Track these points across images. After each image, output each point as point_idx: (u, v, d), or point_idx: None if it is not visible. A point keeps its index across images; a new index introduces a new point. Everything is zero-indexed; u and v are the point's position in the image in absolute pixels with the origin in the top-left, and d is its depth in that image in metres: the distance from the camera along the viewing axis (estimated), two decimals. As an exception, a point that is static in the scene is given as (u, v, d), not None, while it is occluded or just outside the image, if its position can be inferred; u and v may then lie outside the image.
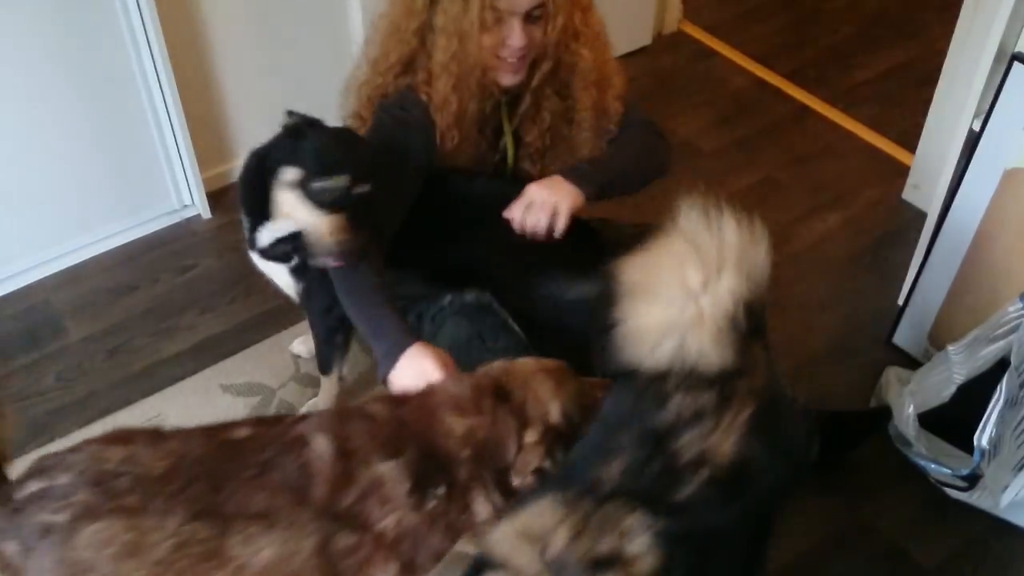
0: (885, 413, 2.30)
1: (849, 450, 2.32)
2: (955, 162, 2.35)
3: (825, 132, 3.29)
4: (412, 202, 2.02)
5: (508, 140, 2.13)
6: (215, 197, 2.97)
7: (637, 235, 2.15)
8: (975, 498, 2.19)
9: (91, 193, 2.76)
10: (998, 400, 2.04)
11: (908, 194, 3.00)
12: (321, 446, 1.54)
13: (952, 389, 2.15)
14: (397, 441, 1.56)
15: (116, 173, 2.77)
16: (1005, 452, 2.09)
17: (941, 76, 2.77)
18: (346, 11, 2.88)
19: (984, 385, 2.11)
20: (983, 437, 2.08)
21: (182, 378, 2.49)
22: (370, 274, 1.86)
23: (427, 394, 1.65)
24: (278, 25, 2.84)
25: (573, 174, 2.01)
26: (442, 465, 1.57)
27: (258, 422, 1.64)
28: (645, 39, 3.63)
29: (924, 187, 2.90)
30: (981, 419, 2.07)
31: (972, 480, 2.15)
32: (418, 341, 1.76)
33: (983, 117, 2.19)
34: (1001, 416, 2.05)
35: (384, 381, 1.78)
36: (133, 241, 2.88)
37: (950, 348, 2.16)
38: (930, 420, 2.21)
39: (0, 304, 2.70)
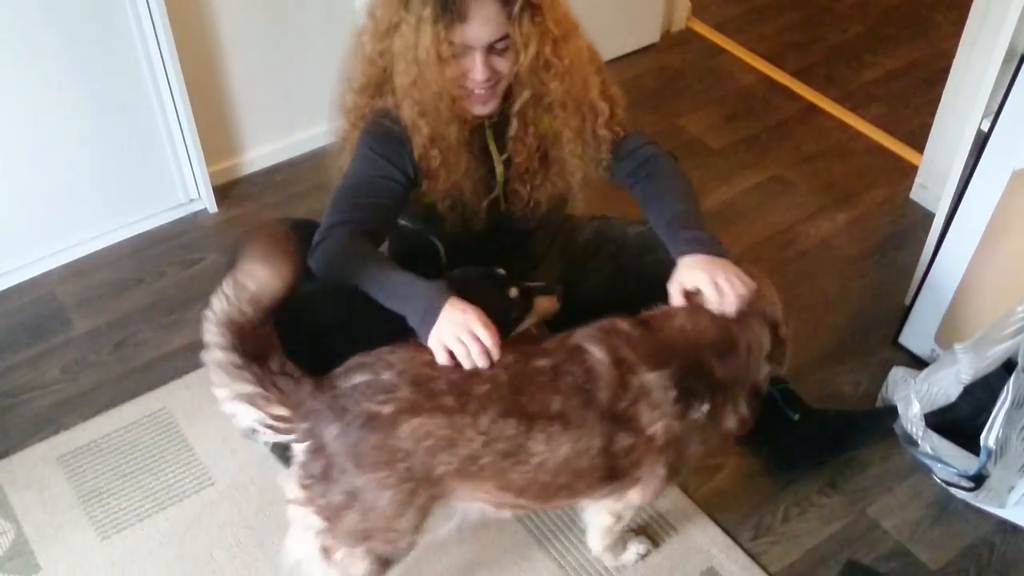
0: (891, 412, 2.29)
1: (855, 449, 2.31)
2: (963, 162, 2.34)
3: (833, 131, 3.28)
4: (399, 211, 1.99)
5: (497, 165, 2.06)
6: (221, 191, 2.97)
7: (641, 234, 2.14)
8: (981, 498, 2.18)
9: (98, 186, 2.77)
10: (1005, 400, 2.04)
11: (916, 194, 2.99)
12: (598, 354, 1.69)
13: (959, 389, 2.14)
14: (660, 356, 1.70)
15: (123, 167, 2.78)
16: (1011, 453, 2.09)
17: (950, 76, 2.76)
18: (352, 4, 2.88)
19: (991, 385, 2.10)
20: (990, 437, 2.07)
21: (187, 372, 2.48)
22: (375, 254, 1.84)
23: (675, 324, 1.76)
24: (286, 20, 2.84)
25: (713, 247, 1.87)
26: (705, 389, 1.73)
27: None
28: (653, 36, 3.62)
29: (932, 187, 2.89)
30: (987, 419, 2.07)
31: (978, 480, 2.14)
32: (450, 296, 1.72)
33: (992, 117, 2.18)
34: (1008, 417, 2.04)
35: (426, 342, 1.72)
36: (139, 235, 2.88)
37: (957, 348, 2.16)
38: (936, 420, 2.20)
39: (6, 296, 2.70)
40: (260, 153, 3.05)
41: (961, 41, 2.69)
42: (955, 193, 2.35)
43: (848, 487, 2.26)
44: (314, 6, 2.85)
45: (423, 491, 1.64)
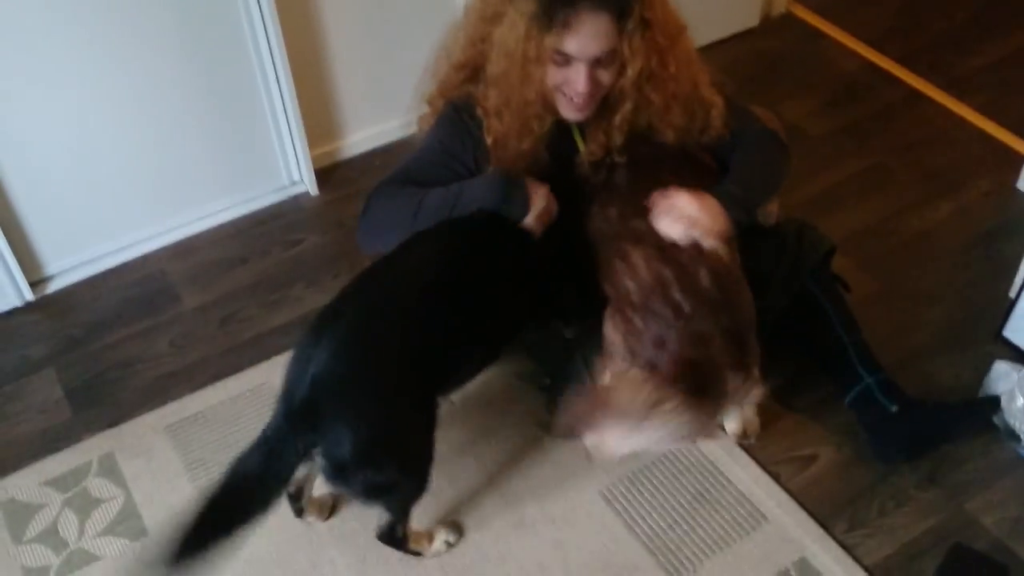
0: (993, 403, 2.24)
1: (954, 442, 2.27)
2: (1075, 152, 2.28)
3: (937, 118, 3.21)
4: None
5: (580, 147, 2.07)
6: (323, 175, 3.04)
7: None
8: (1086, 497, 2.13)
9: (205, 169, 2.85)
10: (1114, 397, 1.99)
11: (1023, 184, 2.91)
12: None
13: (1065, 384, 2.09)
14: None
15: (230, 149, 2.86)
16: (1120, 451, 2.03)
17: (1062, 63, 2.68)
18: (454, -7, 2.91)
19: (1100, 381, 2.05)
20: (1096, 435, 2.02)
21: (289, 348, 2.51)
22: (421, 189, 1.98)
23: None
24: (389, 6, 2.88)
25: (727, 198, 1.91)
26: None
27: None
28: (752, 21, 3.58)
29: (1040, 177, 2.82)
30: (1095, 416, 2.02)
31: (1083, 478, 2.10)
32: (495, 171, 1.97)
33: (1107, 105, 2.11)
34: (1117, 414, 1.99)
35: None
36: (244, 215, 2.96)
37: (1065, 342, 2.11)
38: (1041, 415, 2.16)
39: (119, 272, 2.81)
40: (359, 138, 3.11)
41: (1075, 27, 2.61)
42: (1065, 184, 2.28)
43: (946, 481, 2.22)
44: (418, -8, 2.89)
45: None
